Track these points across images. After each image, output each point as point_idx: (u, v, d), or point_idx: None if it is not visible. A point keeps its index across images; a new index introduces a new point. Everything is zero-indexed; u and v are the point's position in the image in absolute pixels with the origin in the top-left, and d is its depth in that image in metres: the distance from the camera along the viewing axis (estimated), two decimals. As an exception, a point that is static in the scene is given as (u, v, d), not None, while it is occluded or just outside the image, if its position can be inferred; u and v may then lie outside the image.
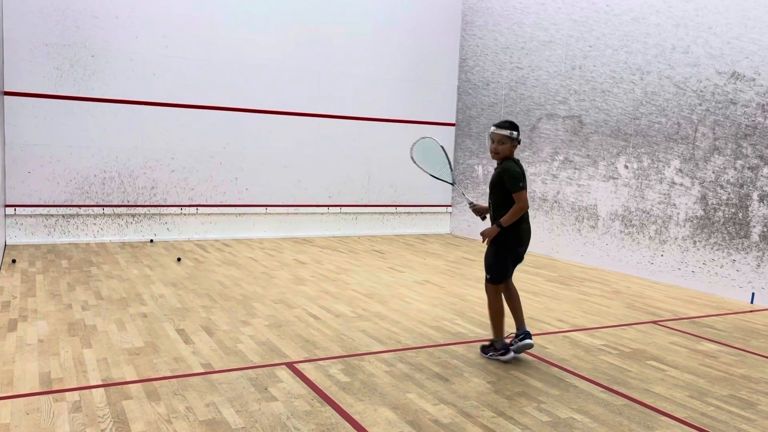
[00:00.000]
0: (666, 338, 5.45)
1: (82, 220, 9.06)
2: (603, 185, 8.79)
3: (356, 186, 11.03)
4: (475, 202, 4.65)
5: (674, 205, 7.82)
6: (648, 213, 8.15)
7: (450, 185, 5.04)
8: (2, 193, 7.84)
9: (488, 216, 4.65)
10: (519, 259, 4.60)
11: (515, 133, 4.43)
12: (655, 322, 5.97)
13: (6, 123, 8.46)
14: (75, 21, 8.80)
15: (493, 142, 4.48)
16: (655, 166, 8.05)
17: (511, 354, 4.56)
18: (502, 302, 4.61)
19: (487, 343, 4.76)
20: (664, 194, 7.94)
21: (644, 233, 8.19)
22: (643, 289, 7.50)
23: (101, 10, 8.93)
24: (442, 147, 5.04)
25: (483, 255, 4.82)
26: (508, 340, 4.69)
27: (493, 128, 4.50)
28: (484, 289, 4.67)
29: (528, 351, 4.85)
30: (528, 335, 4.63)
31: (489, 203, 4.62)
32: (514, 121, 10.27)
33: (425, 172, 5.14)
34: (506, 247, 4.49)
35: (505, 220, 4.38)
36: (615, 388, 4.19)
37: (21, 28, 8.49)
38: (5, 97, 8.44)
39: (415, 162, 5.16)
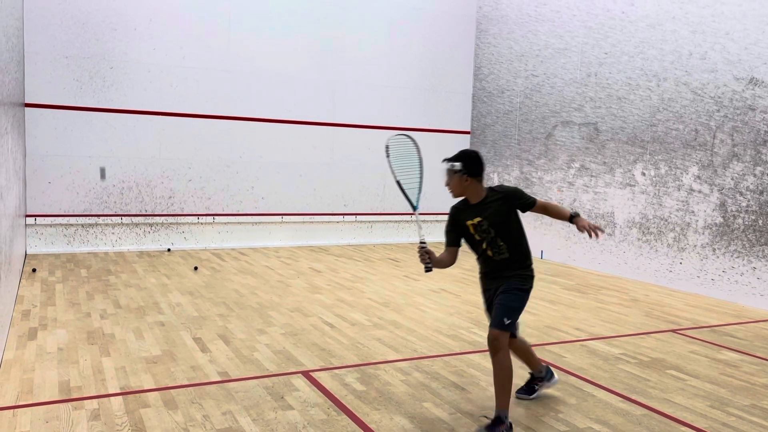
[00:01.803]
0: (686, 347, 5.38)
1: (101, 230, 9.16)
2: (620, 192, 8.72)
3: (371, 194, 11.05)
4: (426, 243, 3.66)
5: (693, 212, 7.73)
6: (666, 220, 8.07)
7: (411, 209, 3.91)
8: (23, 203, 7.96)
9: (432, 268, 3.63)
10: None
11: (457, 164, 3.62)
12: (674, 331, 5.90)
13: (27, 134, 8.60)
14: (95, 33, 8.94)
15: (447, 177, 3.68)
16: (673, 173, 7.98)
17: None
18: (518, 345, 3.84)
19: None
20: (683, 201, 7.86)
21: (662, 241, 8.11)
22: (661, 297, 7.41)
23: (120, 22, 9.07)
24: (421, 160, 4.02)
25: None
26: (538, 386, 4.05)
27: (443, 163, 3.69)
28: (489, 341, 3.54)
29: (545, 360, 4.81)
30: (551, 372, 4.09)
31: (485, 250, 3.69)
32: (529, 128, 10.28)
33: (393, 173, 3.93)
34: (531, 287, 3.72)
35: (559, 211, 3.74)
36: (634, 397, 4.14)
37: (41, 40, 8.64)
38: (26, 108, 8.59)
39: (387, 156, 3.99)
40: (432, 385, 4.23)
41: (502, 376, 3.47)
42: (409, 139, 4.12)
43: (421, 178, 3.98)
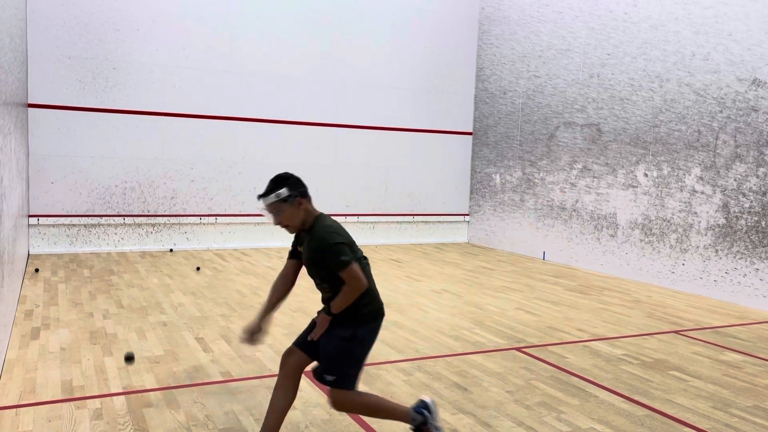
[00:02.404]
0: (688, 348, 5.37)
1: (104, 230, 9.18)
2: (622, 193, 8.71)
3: (374, 195, 11.05)
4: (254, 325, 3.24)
5: (695, 213, 7.72)
6: (668, 221, 8.06)
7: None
8: (26, 203, 7.97)
9: (258, 335, 3.27)
10: (370, 345, 3.09)
11: (283, 191, 3.03)
12: (676, 332, 5.89)
13: (30, 134, 8.62)
14: (97, 34, 8.96)
15: (274, 215, 3.08)
16: (675, 174, 7.97)
17: (429, 409, 3.20)
18: (368, 394, 3.12)
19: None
20: (685, 202, 7.85)
21: (665, 242, 8.10)
22: (664, 298, 7.40)
23: (123, 23, 9.08)
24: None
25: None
26: None
27: (261, 201, 3.09)
28: (331, 399, 3.02)
29: (547, 360, 4.81)
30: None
31: (316, 284, 3.13)
32: (531, 129, 10.28)
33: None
34: (366, 325, 3.01)
35: (337, 306, 2.93)
36: (636, 398, 4.13)
37: (44, 41, 8.66)
38: (29, 109, 8.61)
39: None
40: (434, 385, 4.23)
41: (373, 415, 3.11)
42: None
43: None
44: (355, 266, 2.91)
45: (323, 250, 2.95)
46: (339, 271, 2.90)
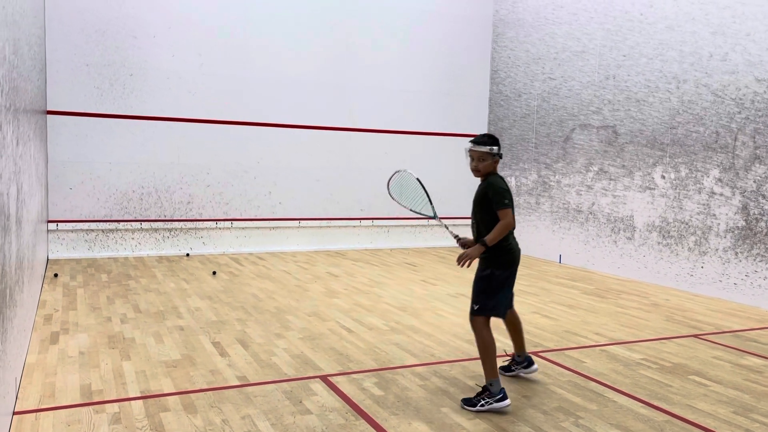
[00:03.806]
0: (708, 352, 5.30)
1: (121, 235, 9.26)
2: (639, 196, 8.63)
3: (388, 199, 10.97)
4: (461, 236, 4.26)
5: (714, 215, 7.63)
6: (687, 224, 7.97)
7: (432, 218, 4.58)
8: (45, 209, 8.07)
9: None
10: (513, 281, 4.14)
11: (495, 148, 4.06)
12: (696, 336, 5.82)
13: (49, 141, 8.73)
14: (114, 41, 9.06)
15: (472, 159, 4.10)
16: (694, 175, 7.88)
17: (509, 401, 3.83)
18: (492, 336, 3.98)
19: (472, 394, 4.06)
20: (704, 204, 7.76)
21: (683, 244, 8.01)
22: (682, 301, 7.32)
23: (139, 30, 9.18)
24: (419, 179, 4.66)
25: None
26: (507, 361, 4.48)
27: (470, 145, 4.11)
28: (470, 323, 4.05)
29: (564, 365, 4.77)
30: (532, 360, 4.44)
31: (472, 224, 4.15)
32: (546, 132, 10.23)
33: (404, 207, 4.78)
34: (502, 267, 4.01)
35: (490, 239, 3.88)
36: (656, 403, 4.08)
37: (63, 48, 8.78)
38: (48, 116, 8.72)
39: (392, 197, 4.83)
40: (450, 390, 4.21)
41: (481, 353, 3.94)
42: (401, 172, 4.84)
43: (425, 190, 4.64)
44: (509, 210, 3.94)
45: (491, 192, 3.97)
46: (497, 209, 3.93)
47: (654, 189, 8.42)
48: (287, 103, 10.15)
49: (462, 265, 3.93)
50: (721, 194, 7.55)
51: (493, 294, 3.97)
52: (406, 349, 5.11)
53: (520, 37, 10.83)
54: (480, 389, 3.98)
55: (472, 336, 5.55)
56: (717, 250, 7.58)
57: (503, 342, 5.05)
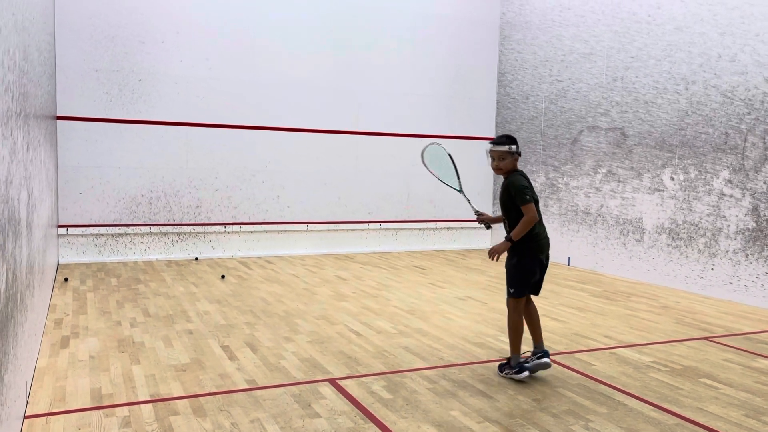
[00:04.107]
0: (719, 355, 5.26)
1: (130, 239, 9.31)
2: (648, 198, 8.59)
3: (396, 202, 11.06)
4: (481, 211, 4.71)
5: (724, 217, 7.58)
6: (696, 226, 7.92)
7: (457, 192, 4.93)
8: (55, 213, 8.13)
9: (493, 225, 4.68)
10: (544, 267, 4.53)
11: (514, 147, 4.41)
12: (706, 338, 5.78)
13: (59, 146, 8.80)
14: (123, 47, 9.13)
15: (493, 159, 4.45)
16: (703, 177, 7.84)
17: (526, 373, 4.40)
18: (522, 318, 4.52)
19: (503, 361, 4.65)
20: (713, 206, 7.71)
21: (693, 246, 7.96)
22: (693, 304, 7.27)
23: (148, 35, 9.24)
24: (450, 155, 4.97)
25: None
26: (523, 358, 4.60)
27: (491, 146, 4.47)
28: (506, 304, 4.62)
29: (574, 368, 4.75)
30: (546, 354, 4.57)
31: (503, 220, 4.57)
32: (554, 134, 10.20)
33: (434, 175, 5.05)
34: (529, 256, 4.42)
35: (516, 233, 4.29)
36: (666, 406, 4.06)
37: (72, 54, 8.85)
38: (58, 121, 8.79)
39: (425, 165, 5.05)
40: (459, 393, 4.21)
41: (510, 329, 4.53)
42: (431, 146, 5.06)
43: (454, 166, 4.93)
44: (531, 205, 4.28)
45: (513, 190, 4.33)
46: (520, 205, 4.28)
47: (663, 191, 8.38)
48: (294, 107, 10.19)
49: (492, 259, 4.37)
50: (731, 196, 7.50)
51: (524, 279, 4.42)
52: (415, 353, 5.10)
53: (527, 39, 10.82)
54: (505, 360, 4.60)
55: (480, 339, 5.55)
56: (727, 252, 7.53)
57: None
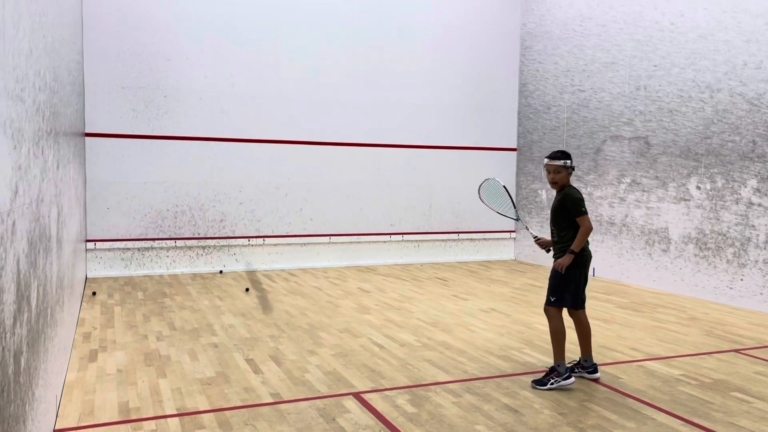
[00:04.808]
0: (750, 368, 5.15)
1: (156, 253, 9.44)
2: (674, 207, 8.48)
3: (418, 213, 11.06)
4: (539, 236, 4.95)
5: (753, 226, 7.44)
6: (724, 235, 7.79)
7: (515, 221, 5.28)
8: (83, 228, 8.28)
9: (552, 248, 4.80)
10: (586, 280, 4.72)
11: (569, 161, 4.67)
12: (737, 351, 5.66)
13: (87, 162, 8.97)
14: (149, 64, 9.30)
15: (549, 173, 4.71)
16: (730, 186, 7.72)
17: (573, 379, 4.53)
18: (563, 324, 4.63)
19: (541, 374, 4.70)
20: (742, 215, 7.58)
21: (721, 256, 7.82)
22: (722, 315, 7.14)
23: (173, 52, 9.41)
24: (505, 187, 5.37)
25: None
26: (572, 363, 4.77)
27: (547, 160, 4.74)
28: (544, 312, 4.73)
29: (600, 381, 4.70)
30: (596, 369, 4.75)
31: (551, 230, 4.75)
32: (577, 144, 10.13)
33: (492, 209, 5.50)
34: (576, 267, 4.60)
35: (576, 245, 4.52)
36: (696, 421, 3.98)
37: (100, 72, 9.04)
38: (86, 138, 8.97)
39: (483, 201, 5.52)
40: (484, 407, 4.18)
41: (553, 338, 4.60)
42: (486, 181, 5.53)
43: (510, 196, 5.33)
44: (587, 216, 4.56)
45: (568, 202, 4.57)
46: (576, 216, 4.54)
47: (689, 200, 8.26)
48: (317, 120, 10.27)
49: (561, 272, 4.56)
50: (760, 204, 7.37)
51: (566, 288, 4.59)
52: (439, 366, 5.08)
53: (549, 49, 10.78)
54: (547, 370, 4.60)
55: (504, 352, 5.50)
56: (757, 261, 7.39)
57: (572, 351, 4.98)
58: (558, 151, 4.74)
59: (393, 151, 10.80)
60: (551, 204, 4.92)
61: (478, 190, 5.53)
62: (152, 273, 9.40)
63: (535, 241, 4.92)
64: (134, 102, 9.25)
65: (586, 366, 4.74)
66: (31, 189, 2.85)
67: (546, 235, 5.65)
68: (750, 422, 3.98)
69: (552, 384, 4.48)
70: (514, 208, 5.27)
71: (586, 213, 4.57)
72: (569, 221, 4.60)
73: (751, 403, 4.32)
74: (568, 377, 4.49)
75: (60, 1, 4.67)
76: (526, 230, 5.33)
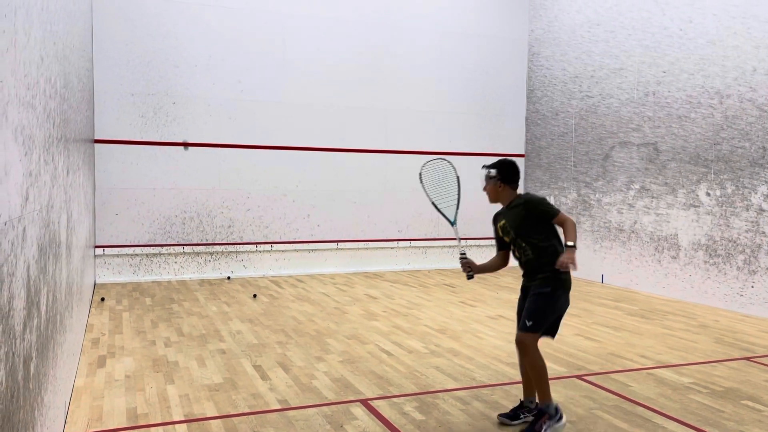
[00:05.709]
0: (761, 376, 5.10)
1: (164, 259, 9.46)
2: (683, 214, 8.43)
3: (425, 220, 11.04)
4: (468, 255, 4.10)
5: (764, 233, 7.39)
6: (735, 242, 7.73)
7: (450, 224, 4.33)
8: (92, 234, 8.32)
9: (474, 275, 4.08)
10: (565, 308, 3.93)
11: (492, 171, 3.99)
12: (748, 359, 5.61)
13: (96, 169, 9.03)
14: (158, 71, 9.36)
15: (486, 184, 4.01)
16: (741, 192, 7.67)
17: (565, 418, 3.81)
18: (542, 359, 3.85)
19: (529, 422, 3.91)
20: (752, 222, 7.53)
21: (731, 263, 7.77)
22: (732, 322, 7.08)
23: (181, 59, 9.47)
24: (458, 178, 4.44)
25: None
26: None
27: (487, 172, 4.02)
28: (516, 342, 3.92)
29: (610, 389, 4.66)
30: (560, 413, 3.88)
31: (521, 251, 3.94)
32: (585, 150, 10.10)
33: (428, 197, 4.46)
34: (560, 289, 3.84)
35: (573, 238, 3.70)
36: (707, 429, 3.94)
37: (109, 79, 9.10)
38: (95, 144, 9.02)
39: (422, 182, 4.53)
40: (492, 415, 4.15)
41: (534, 375, 3.81)
42: (445, 162, 4.51)
43: (458, 195, 4.41)
44: (562, 212, 3.96)
45: (527, 203, 3.87)
46: (554, 217, 3.81)
47: (699, 206, 8.21)
48: (324, 127, 10.29)
49: (572, 269, 3.73)
50: (770, 211, 7.31)
51: (551, 312, 3.83)
52: (447, 373, 5.06)
53: (557, 55, 10.77)
54: (534, 415, 3.86)
55: (513, 359, 5.46)
56: None
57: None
58: (495, 163, 4.02)
59: (400, 158, 10.80)
60: (500, 224, 4.00)
61: (420, 170, 4.54)
62: (160, 279, 9.42)
63: (462, 258, 4.08)
64: (143, 109, 9.31)
65: (532, 408, 3.98)
66: (42, 195, 2.87)
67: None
68: (762, 431, 3.93)
69: (546, 428, 3.74)
70: (457, 208, 4.29)
71: (558, 209, 3.88)
72: (539, 230, 3.84)
73: (762, 412, 4.27)
74: (560, 418, 3.76)
75: (70, 9, 4.71)
76: (457, 241, 4.34)
